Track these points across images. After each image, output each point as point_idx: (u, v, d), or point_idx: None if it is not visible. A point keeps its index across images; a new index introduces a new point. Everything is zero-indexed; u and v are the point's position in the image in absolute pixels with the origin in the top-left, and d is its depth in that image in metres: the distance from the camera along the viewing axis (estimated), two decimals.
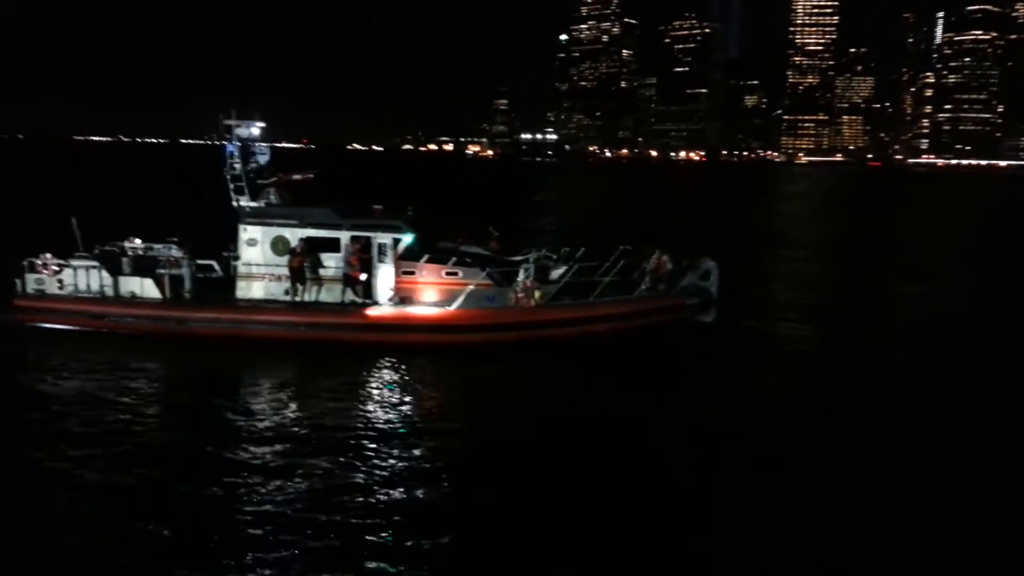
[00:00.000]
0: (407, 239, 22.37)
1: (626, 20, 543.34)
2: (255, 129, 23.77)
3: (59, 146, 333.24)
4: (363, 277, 22.13)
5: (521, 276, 22.09)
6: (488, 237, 24.61)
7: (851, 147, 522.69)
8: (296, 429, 16.01)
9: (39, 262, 22.65)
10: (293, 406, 17.39)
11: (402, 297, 22.03)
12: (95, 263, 22.63)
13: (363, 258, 22.11)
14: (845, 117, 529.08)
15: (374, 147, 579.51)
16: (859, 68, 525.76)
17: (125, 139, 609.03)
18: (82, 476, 13.56)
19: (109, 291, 22.56)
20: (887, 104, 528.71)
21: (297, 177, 24.36)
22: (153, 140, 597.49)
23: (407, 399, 18.21)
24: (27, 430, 15.65)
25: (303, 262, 22.03)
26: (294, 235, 22.38)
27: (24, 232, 32.86)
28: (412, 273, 22.13)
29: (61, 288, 22.57)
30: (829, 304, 31.45)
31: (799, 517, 12.96)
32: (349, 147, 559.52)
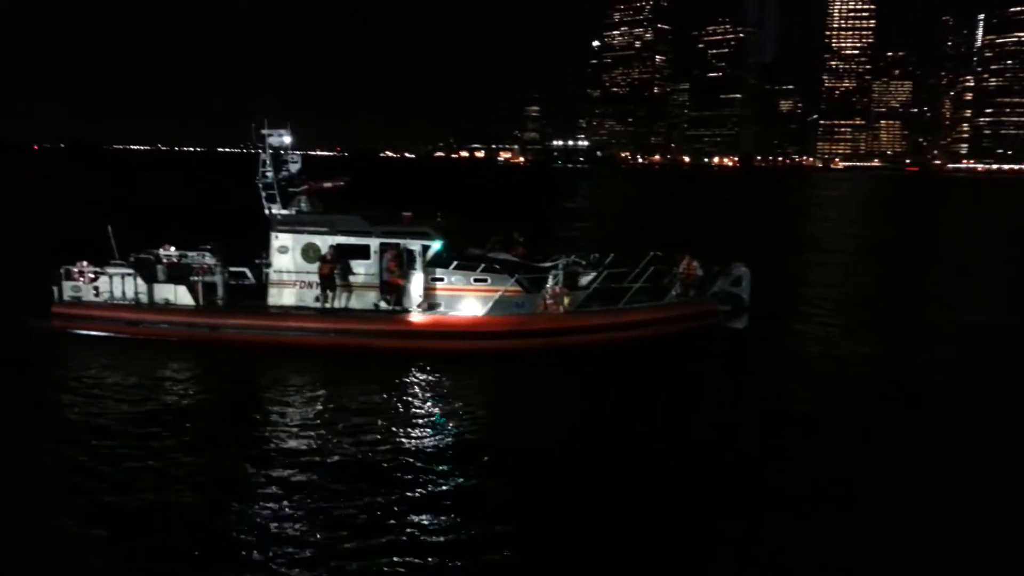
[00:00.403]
0: (436, 246, 22.41)
1: (659, 26, 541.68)
2: (286, 138, 23.99)
3: (98, 155, 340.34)
4: (404, 283, 22.14)
5: (550, 282, 22.03)
6: (513, 243, 24.55)
7: (889, 152, 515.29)
8: (325, 436, 16.04)
9: (75, 270, 23.05)
10: (323, 413, 17.44)
11: (430, 304, 22.06)
12: (130, 270, 22.98)
13: (401, 264, 22.11)
14: (882, 122, 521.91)
15: (406, 154, 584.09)
16: (896, 72, 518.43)
17: (163, 147, 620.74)
18: (112, 483, 13.72)
19: (144, 298, 22.90)
20: (926, 108, 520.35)
21: (328, 185, 24.53)
22: (190, 149, 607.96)
23: (436, 406, 18.17)
24: (60, 435, 15.85)
25: (333, 269, 22.17)
26: (324, 242, 22.53)
27: (62, 240, 33.52)
28: (441, 280, 22.17)
29: (97, 295, 22.96)
30: (863, 311, 30.93)
31: (827, 530, 12.71)
32: (382, 155, 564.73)
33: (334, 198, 24.72)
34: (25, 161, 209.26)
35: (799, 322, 27.69)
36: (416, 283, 22.27)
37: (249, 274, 24.59)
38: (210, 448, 15.34)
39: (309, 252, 22.66)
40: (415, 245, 22.35)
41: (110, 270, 22.99)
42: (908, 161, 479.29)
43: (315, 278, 22.50)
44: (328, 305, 22.38)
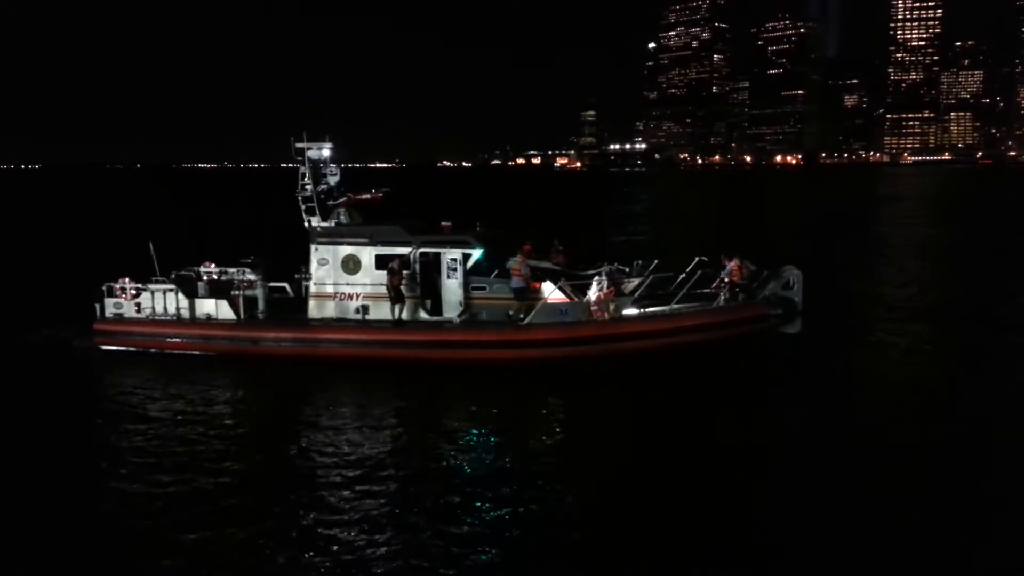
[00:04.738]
0: (476, 254, 21.93)
1: (716, 24, 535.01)
2: (326, 151, 23.81)
3: (166, 173, 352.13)
4: (538, 287, 21.48)
5: (594, 289, 21.38)
6: (553, 251, 23.93)
7: (960, 145, 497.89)
8: (366, 448, 15.74)
9: (117, 286, 23.27)
10: (363, 425, 17.12)
11: (471, 313, 21.60)
12: (171, 287, 23.08)
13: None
14: (952, 114, 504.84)
15: (463, 163, 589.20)
16: (966, 62, 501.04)
17: (229, 165, 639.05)
18: (157, 495, 13.65)
19: (185, 313, 22.96)
20: (999, 98, 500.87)
21: (366, 196, 24.30)
22: (255, 165, 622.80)
23: (475, 417, 17.73)
24: (105, 450, 15.85)
25: (400, 280, 21.81)
26: (364, 254, 22.27)
27: (106, 257, 34.12)
28: (482, 288, 21.70)
29: (139, 312, 23.13)
30: (924, 315, 29.07)
31: (884, 548, 11.73)
32: (439, 164, 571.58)
33: (375, 209, 24.47)
34: (92, 181, 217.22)
35: (855, 326, 26.34)
36: (455, 292, 21.83)
37: (289, 288, 24.50)
38: (250, 462, 15.19)
39: (348, 264, 22.43)
40: (455, 254, 21.92)
41: (151, 286, 23.13)
42: (981, 154, 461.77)
43: (354, 290, 22.28)
44: (398, 317, 21.85)
